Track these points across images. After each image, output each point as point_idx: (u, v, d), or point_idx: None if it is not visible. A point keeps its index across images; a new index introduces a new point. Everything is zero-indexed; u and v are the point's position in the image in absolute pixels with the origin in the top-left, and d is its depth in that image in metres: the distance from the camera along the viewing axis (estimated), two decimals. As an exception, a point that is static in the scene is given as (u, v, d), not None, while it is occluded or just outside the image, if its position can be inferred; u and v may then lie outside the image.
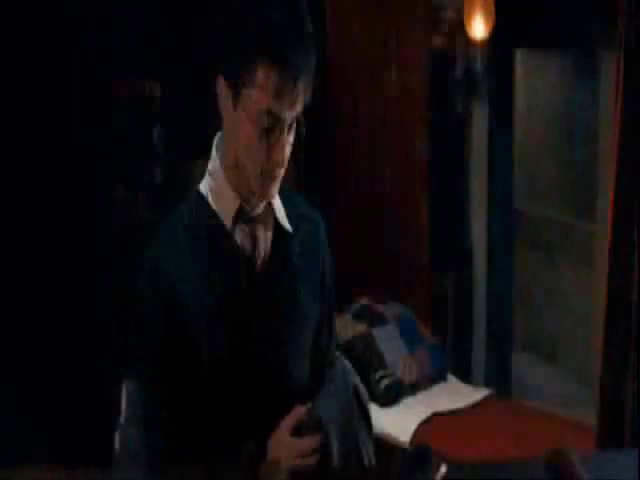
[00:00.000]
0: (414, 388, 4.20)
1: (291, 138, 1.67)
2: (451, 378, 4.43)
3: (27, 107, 3.79)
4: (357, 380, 1.90)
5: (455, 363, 4.88)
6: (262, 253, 1.74)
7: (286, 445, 1.63)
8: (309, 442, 1.63)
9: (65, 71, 3.88)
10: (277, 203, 1.77)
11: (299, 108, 1.64)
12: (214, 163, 1.75)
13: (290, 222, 1.78)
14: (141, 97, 4.09)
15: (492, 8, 4.56)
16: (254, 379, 1.73)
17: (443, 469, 1.37)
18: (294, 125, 1.66)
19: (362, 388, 1.90)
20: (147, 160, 4.14)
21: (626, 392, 3.06)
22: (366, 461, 1.83)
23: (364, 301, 4.42)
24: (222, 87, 1.65)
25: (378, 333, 4.24)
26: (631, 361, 3.04)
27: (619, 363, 3.08)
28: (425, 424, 3.87)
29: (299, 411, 1.66)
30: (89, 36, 3.91)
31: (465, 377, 4.78)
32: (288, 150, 1.67)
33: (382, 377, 4.07)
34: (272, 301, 1.74)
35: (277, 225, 1.77)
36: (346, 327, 4.19)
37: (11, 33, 3.74)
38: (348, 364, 1.94)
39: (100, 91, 3.97)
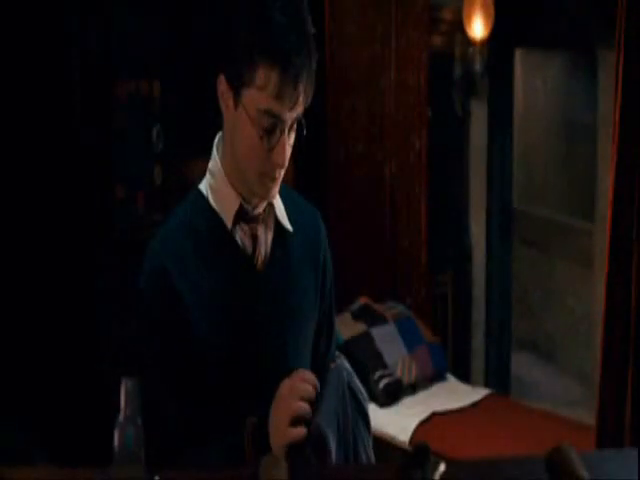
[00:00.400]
0: (413, 388, 4.21)
1: (292, 139, 1.67)
2: (450, 378, 4.44)
3: (27, 107, 3.79)
4: (353, 378, 1.90)
5: (454, 363, 4.89)
6: (262, 253, 1.75)
7: (287, 388, 1.62)
8: (306, 387, 1.63)
9: (65, 71, 3.88)
10: (278, 203, 1.77)
11: (300, 109, 1.64)
12: (214, 162, 1.75)
13: (290, 220, 1.79)
14: (141, 97, 4.09)
15: (492, 8, 4.57)
16: (254, 378, 1.73)
17: (442, 467, 1.37)
18: (295, 126, 1.66)
19: (358, 386, 1.90)
20: (147, 160, 4.13)
21: (626, 392, 3.06)
22: (364, 459, 1.83)
23: (363, 301, 4.42)
24: (223, 86, 1.65)
25: (377, 333, 4.24)
26: (631, 361, 3.04)
27: (619, 363, 3.08)
28: (424, 424, 3.88)
29: (300, 374, 1.64)
30: (89, 36, 3.91)
31: (464, 377, 4.79)
32: (289, 151, 1.66)
33: (381, 377, 4.07)
34: (272, 301, 1.74)
35: (278, 224, 1.77)
36: (345, 327, 4.19)
37: (11, 33, 3.74)
38: (346, 363, 1.94)
39: (100, 91, 3.97)
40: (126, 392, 1.33)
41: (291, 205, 1.81)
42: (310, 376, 1.63)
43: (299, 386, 1.61)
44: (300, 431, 1.58)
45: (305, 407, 1.59)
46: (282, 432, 1.58)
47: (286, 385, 1.62)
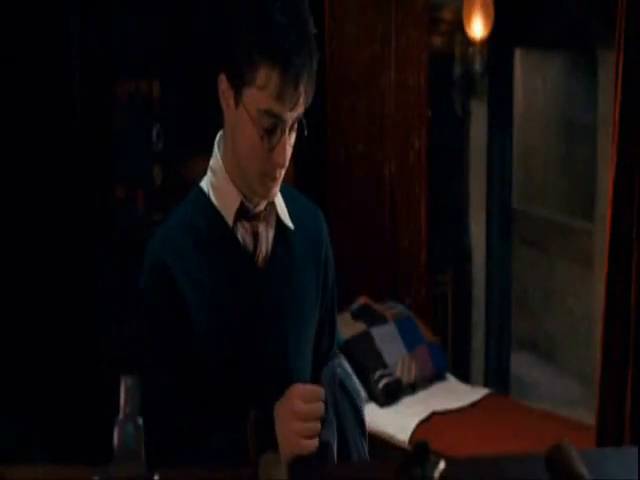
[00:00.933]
0: (413, 387, 4.21)
1: (292, 139, 1.67)
2: (450, 377, 4.44)
3: (27, 107, 3.79)
4: (347, 376, 1.89)
5: (454, 363, 4.89)
6: (264, 250, 1.74)
7: (292, 389, 1.62)
8: (313, 388, 1.63)
9: (65, 71, 3.88)
10: (279, 200, 1.77)
11: (300, 109, 1.63)
12: (216, 160, 1.75)
13: (292, 218, 1.78)
14: (141, 97, 4.09)
15: (491, 8, 4.57)
16: (255, 378, 1.73)
17: (442, 465, 1.37)
18: (295, 126, 1.66)
19: (353, 384, 1.89)
20: (147, 160, 4.14)
21: (626, 392, 3.07)
22: (355, 457, 1.83)
23: (363, 301, 4.43)
24: (224, 85, 1.65)
25: (377, 332, 4.25)
26: (631, 361, 3.05)
27: (619, 363, 3.08)
28: (424, 423, 3.88)
29: (315, 393, 1.65)
30: (89, 36, 3.91)
31: (464, 377, 4.79)
32: (289, 151, 1.66)
33: (381, 376, 4.08)
34: (273, 299, 1.74)
35: (279, 222, 1.77)
36: (345, 327, 4.19)
37: (11, 33, 3.74)
38: (343, 362, 1.93)
39: (100, 91, 3.97)
40: (126, 390, 1.33)
41: (292, 203, 1.81)
42: (322, 394, 1.63)
43: (319, 408, 1.61)
44: (313, 444, 1.60)
45: (319, 428, 1.61)
46: (294, 441, 1.59)
47: (299, 397, 1.61)
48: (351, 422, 1.84)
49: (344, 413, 1.82)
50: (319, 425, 1.61)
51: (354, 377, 1.94)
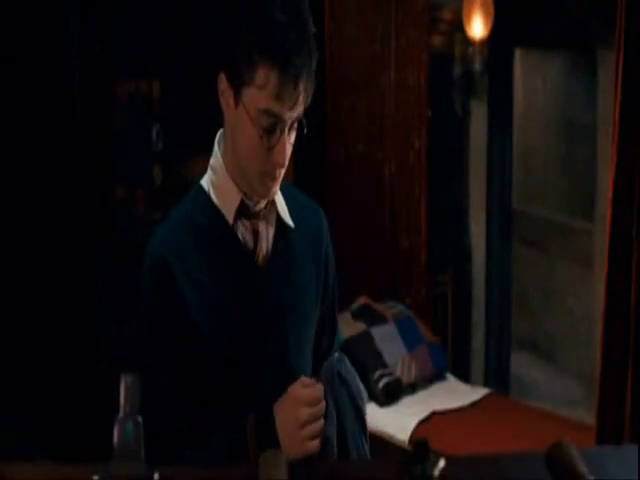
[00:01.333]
0: (413, 387, 4.21)
1: (292, 138, 1.67)
2: (450, 377, 4.44)
3: (27, 107, 3.79)
4: (348, 373, 1.89)
5: (454, 362, 4.89)
6: (264, 248, 1.74)
7: (293, 394, 1.63)
8: (313, 390, 1.64)
9: (65, 71, 3.88)
10: (279, 198, 1.77)
11: (300, 109, 1.64)
12: (216, 159, 1.75)
13: (292, 216, 1.78)
14: (141, 97, 4.10)
15: (491, 8, 4.57)
16: (255, 376, 1.73)
17: (442, 463, 1.37)
18: (295, 125, 1.66)
19: (354, 381, 1.89)
20: (147, 160, 4.14)
21: (626, 391, 3.07)
22: (355, 452, 1.83)
23: (363, 300, 4.43)
24: (224, 85, 1.66)
25: (377, 332, 4.25)
26: (631, 360, 3.05)
27: (619, 363, 3.08)
28: (424, 423, 3.88)
29: (316, 391, 1.65)
30: (89, 36, 3.92)
31: (464, 376, 4.79)
32: (289, 150, 1.66)
33: (381, 376, 4.08)
34: (273, 297, 1.74)
35: (279, 220, 1.77)
36: (345, 326, 4.19)
37: (11, 33, 3.74)
38: (346, 360, 1.93)
39: (100, 91, 3.97)
40: (125, 388, 1.33)
41: (292, 201, 1.81)
42: (322, 392, 1.64)
43: (322, 408, 1.62)
44: (317, 444, 1.62)
45: (323, 425, 1.63)
46: (299, 446, 1.60)
47: (301, 402, 1.62)
48: (351, 419, 1.84)
49: (344, 409, 1.81)
50: (323, 423, 1.61)
51: (357, 377, 1.93)
